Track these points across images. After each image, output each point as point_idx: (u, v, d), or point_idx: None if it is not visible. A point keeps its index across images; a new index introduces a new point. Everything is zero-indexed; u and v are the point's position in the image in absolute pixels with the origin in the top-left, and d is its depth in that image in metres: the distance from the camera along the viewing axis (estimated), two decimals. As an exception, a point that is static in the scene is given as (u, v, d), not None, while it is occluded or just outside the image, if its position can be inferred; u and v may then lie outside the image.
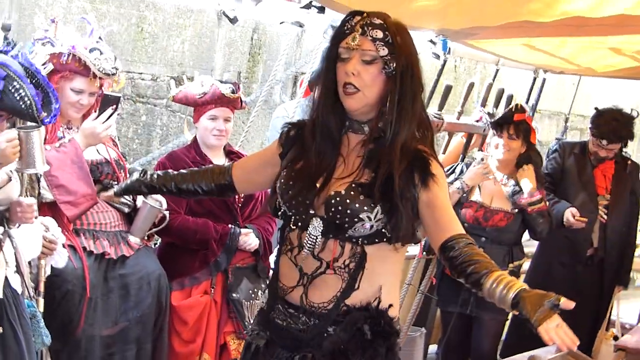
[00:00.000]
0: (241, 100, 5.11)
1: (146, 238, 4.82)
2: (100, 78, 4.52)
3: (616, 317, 7.34)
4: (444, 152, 7.13)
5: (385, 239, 3.02)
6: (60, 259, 4.10)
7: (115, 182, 4.64)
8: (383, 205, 2.94)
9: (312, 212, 3.03)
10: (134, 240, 4.70)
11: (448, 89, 6.42)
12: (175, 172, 3.69)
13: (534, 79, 7.74)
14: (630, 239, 7.07)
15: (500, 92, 7.05)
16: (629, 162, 7.01)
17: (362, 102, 3.01)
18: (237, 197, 5.03)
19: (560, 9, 4.79)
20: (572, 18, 4.85)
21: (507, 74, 7.79)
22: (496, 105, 6.80)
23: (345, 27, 3.02)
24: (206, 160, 5.00)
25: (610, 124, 6.58)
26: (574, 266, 6.87)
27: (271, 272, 3.32)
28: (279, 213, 3.17)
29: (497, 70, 7.46)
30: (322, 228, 3.01)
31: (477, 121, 6.74)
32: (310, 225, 3.03)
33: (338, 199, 2.94)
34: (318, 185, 3.02)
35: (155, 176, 3.68)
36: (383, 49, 2.96)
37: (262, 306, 3.31)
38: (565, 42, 5.97)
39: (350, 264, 3.04)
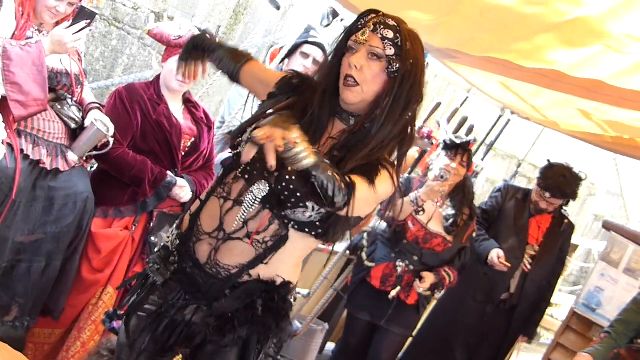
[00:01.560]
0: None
1: (84, 159, 4.79)
2: None
3: (512, 366, 7.46)
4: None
5: (314, 233, 3.03)
6: (-3, 153, 4.07)
7: (70, 96, 4.62)
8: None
9: (265, 174, 3.02)
10: (72, 157, 4.67)
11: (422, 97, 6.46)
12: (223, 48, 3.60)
13: (499, 117, 7.81)
14: (547, 294, 7.13)
15: (464, 120, 7.13)
16: (566, 220, 7.07)
17: (359, 97, 3.03)
18: (182, 144, 5.04)
19: (545, 57, 4.82)
20: (551, 70, 4.88)
21: (474, 103, 7.83)
22: (456, 130, 6.87)
23: (359, 23, 3.06)
24: (162, 101, 5.00)
25: (558, 179, 6.65)
26: (485, 305, 6.93)
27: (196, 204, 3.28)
28: (235, 152, 3.15)
29: (467, 98, 7.53)
30: (265, 194, 3.01)
31: (423, 138, 6.81)
32: (255, 185, 3.03)
33: (293, 177, 2.90)
34: None
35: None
36: (390, 49, 2.98)
37: (167, 243, 3.31)
38: (539, 92, 6.01)
39: (269, 242, 3.06)
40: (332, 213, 2.95)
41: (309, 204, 2.92)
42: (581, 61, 4.72)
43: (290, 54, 5.94)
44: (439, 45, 5.54)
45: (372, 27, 3.00)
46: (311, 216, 2.96)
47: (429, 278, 5.86)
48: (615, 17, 4.18)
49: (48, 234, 4.63)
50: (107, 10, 7.04)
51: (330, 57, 3.17)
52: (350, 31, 3.08)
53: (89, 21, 4.52)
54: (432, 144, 6.88)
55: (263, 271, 3.10)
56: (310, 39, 5.86)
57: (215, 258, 3.10)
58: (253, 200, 3.02)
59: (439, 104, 7.47)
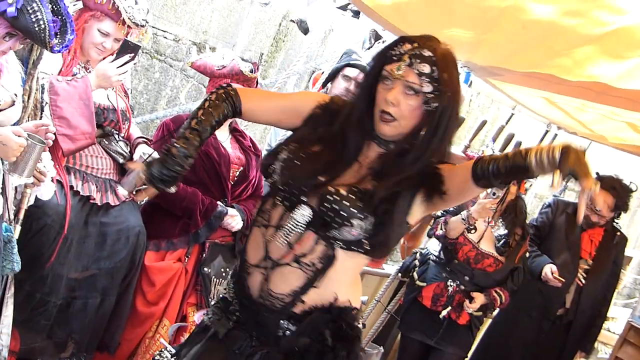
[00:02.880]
0: (257, 82, 5.12)
1: (134, 193, 4.82)
2: (128, 26, 4.55)
3: (571, 382, 7.37)
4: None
5: (361, 250, 3.00)
6: (47, 191, 4.09)
7: (117, 132, 4.67)
8: (376, 218, 2.92)
9: (303, 198, 3.00)
10: (122, 191, 4.70)
11: (460, 122, 6.44)
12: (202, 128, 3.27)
13: (546, 132, 7.75)
14: (603, 308, 7.06)
15: (510, 137, 7.08)
16: (618, 233, 7.00)
17: (397, 131, 3.01)
18: (231, 174, 5.06)
19: (587, 71, 4.78)
20: (595, 83, 4.84)
21: (519, 119, 7.78)
22: (503, 148, 6.83)
23: (394, 52, 3.00)
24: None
25: (608, 192, 6.59)
26: (541, 322, 6.87)
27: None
28: (270, 181, 3.14)
29: (512, 115, 7.49)
30: (309, 218, 2.99)
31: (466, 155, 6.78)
32: (297, 210, 3.01)
33: (337, 197, 2.91)
34: (322, 179, 2.99)
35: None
36: (427, 86, 2.94)
37: (225, 294, 3.31)
38: (585, 107, 5.96)
39: (318, 264, 3.02)
40: (380, 229, 2.94)
41: (355, 222, 2.90)
42: (626, 72, 4.67)
43: (332, 77, 5.96)
44: (482, 63, 5.52)
45: (407, 61, 2.94)
46: (359, 234, 2.94)
47: (479, 299, 5.82)
48: (660, 25, 4.15)
49: (102, 269, 4.66)
50: (149, 44, 7.10)
51: (363, 83, 3.13)
52: (384, 59, 3.03)
53: (132, 55, 4.60)
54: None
55: (317, 295, 3.06)
56: (351, 62, 5.87)
57: (268, 288, 3.07)
58: (296, 225, 3.00)
59: (484, 122, 7.43)
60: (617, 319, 11.10)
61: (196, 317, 4.84)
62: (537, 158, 2.70)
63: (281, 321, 3.08)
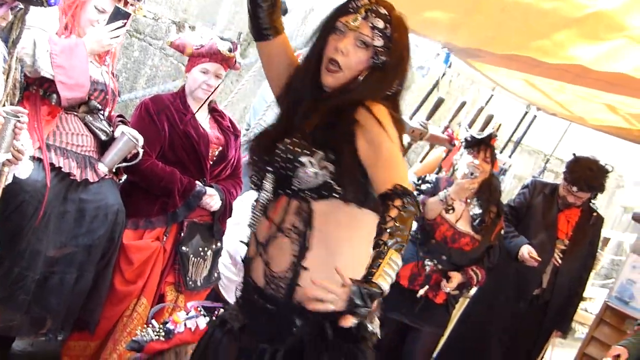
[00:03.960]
0: (235, 61, 5.13)
1: (114, 171, 4.82)
2: (124, 2, 4.69)
3: (548, 360, 7.45)
4: (421, 162, 7.17)
5: (334, 194, 2.98)
6: (25, 169, 4.09)
7: (101, 108, 4.70)
8: (325, 152, 2.94)
9: (268, 168, 3.05)
10: (102, 168, 4.71)
11: (440, 102, 6.49)
12: None
13: (525, 113, 7.78)
14: (579, 288, 7.11)
15: (489, 118, 7.11)
16: (595, 213, 7.03)
17: (340, 81, 3.04)
18: (210, 154, 5.08)
19: (567, 52, 4.81)
20: (574, 65, 4.88)
21: (499, 101, 7.81)
22: (482, 129, 6.85)
23: (350, 5, 3.04)
24: (189, 111, 5.04)
25: (584, 172, 6.61)
26: (517, 302, 6.90)
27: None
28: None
29: (492, 96, 7.51)
30: (273, 182, 3.04)
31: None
32: (264, 182, 3.07)
33: (283, 147, 2.96)
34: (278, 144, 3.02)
35: None
36: (379, 40, 3.01)
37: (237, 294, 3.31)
38: (563, 88, 6.00)
39: (298, 224, 3.01)
40: (335, 163, 2.95)
41: (304, 160, 2.92)
42: (604, 55, 4.70)
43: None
44: (462, 45, 5.55)
45: (363, 13, 3.01)
46: (316, 173, 2.93)
47: (456, 278, 5.84)
48: (636, 9, 4.17)
49: (80, 246, 4.65)
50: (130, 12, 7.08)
51: (316, 34, 3.14)
52: (340, 12, 3.06)
53: (124, 21, 4.63)
54: (454, 145, 6.83)
55: (316, 261, 3.00)
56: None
57: (269, 271, 3.06)
58: (266, 195, 3.06)
59: (463, 103, 7.46)
60: (594, 299, 11.20)
61: (151, 312, 4.84)
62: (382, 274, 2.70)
63: (293, 317, 3.04)
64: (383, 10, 3.03)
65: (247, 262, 3.19)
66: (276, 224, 3.05)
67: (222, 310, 3.47)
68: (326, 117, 3.00)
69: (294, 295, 3.02)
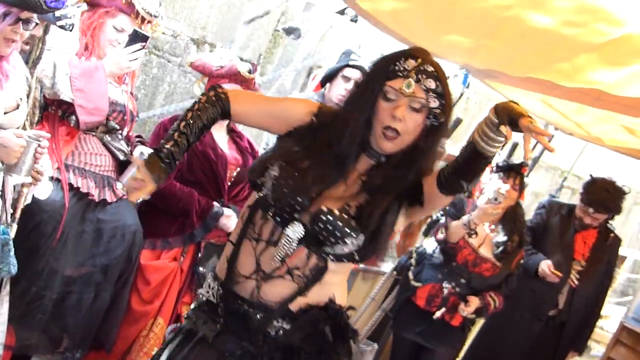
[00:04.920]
0: (255, 82, 5.14)
1: (127, 192, 4.83)
2: (141, 19, 4.68)
3: (564, 381, 7.41)
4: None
5: (352, 261, 3.06)
6: (44, 190, 4.12)
7: (119, 128, 4.72)
8: (367, 234, 2.96)
9: (296, 216, 3.03)
10: (120, 188, 4.71)
11: (458, 122, 6.46)
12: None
13: (542, 133, 7.76)
14: (596, 309, 7.11)
15: (515, 145, 7.10)
16: (612, 234, 7.04)
17: (398, 147, 3.03)
18: (228, 175, 5.08)
19: (586, 76, 4.80)
20: (592, 89, 4.87)
21: (517, 120, 7.78)
22: (509, 155, 6.86)
23: (397, 67, 3.00)
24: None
25: (601, 194, 6.62)
26: (533, 322, 6.90)
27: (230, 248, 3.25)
28: (260, 194, 3.13)
29: (510, 116, 7.50)
30: (301, 235, 3.02)
31: None
32: (289, 227, 3.04)
33: (330, 217, 2.95)
34: (314, 195, 3.01)
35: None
36: (434, 101, 2.99)
37: (209, 298, 3.30)
38: (582, 110, 5.99)
39: (309, 275, 3.08)
40: (370, 241, 2.98)
41: (348, 241, 2.95)
42: (624, 79, 4.70)
43: (331, 77, 5.97)
44: (479, 66, 5.54)
45: (414, 77, 2.97)
46: (351, 250, 2.98)
47: (474, 302, 5.83)
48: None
49: (97, 266, 4.66)
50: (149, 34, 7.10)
51: (363, 98, 3.08)
52: (387, 75, 3.02)
53: (143, 43, 4.67)
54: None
55: (308, 299, 3.12)
56: (351, 62, 5.88)
57: (258, 295, 3.11)
58: (289, 242, 3.03)
59: (459, 120, 7.47)
60: (610, 317, 11.16)
61: (167, 331, 4.84)
62: (479, 132, 2.76)
63: (275, 321, 3.11)
64: (431, 68, 3.00)
65: (234, 276, 3.18)
66: (289, 267, 3.08)
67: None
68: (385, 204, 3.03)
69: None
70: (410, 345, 6.07)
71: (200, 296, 3.38)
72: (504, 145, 2.80)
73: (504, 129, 2.70)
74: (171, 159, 3.18)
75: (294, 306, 3.11)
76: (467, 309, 5.80)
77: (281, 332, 3.12)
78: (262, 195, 3.11)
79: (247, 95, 3.63)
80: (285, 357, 3.11)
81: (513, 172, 5.87)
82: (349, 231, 2.94)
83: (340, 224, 2.94)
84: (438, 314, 5.84)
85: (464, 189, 2.94)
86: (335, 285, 3.19)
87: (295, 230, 3.03)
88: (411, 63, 2.99)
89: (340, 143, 3.07)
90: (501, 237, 5.89)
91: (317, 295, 3.13)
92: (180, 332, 3.37)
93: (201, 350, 3.24)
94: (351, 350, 3.21)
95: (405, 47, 4.69)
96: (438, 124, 3.03)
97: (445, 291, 5.84)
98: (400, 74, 2.99)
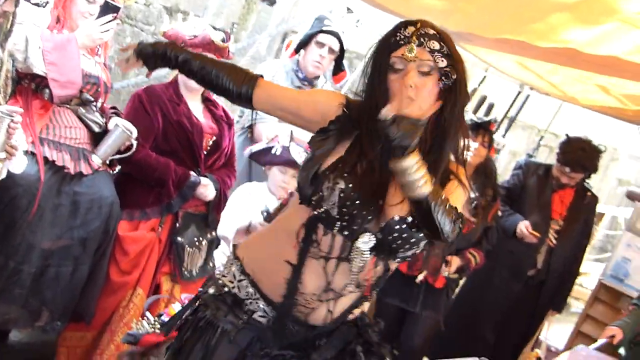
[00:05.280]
0: (229, 51, 5.12)
1: (107, 163, 4.82)
2: None
3: (544, 339, 7.47)
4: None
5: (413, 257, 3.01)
6: (19, 165, 4.10)
7: (93, 100, 4.70)
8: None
9: (366, 226, 2.90)
10: (96, 160, 4.71)
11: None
12: (204, 56, 3.35)
13: (518, 93, 7.78)
14: (574, 267, 7.16)
15: (483, 99, 7.11)
16: (589, 193, 7.06)
17: (418, 114, 2.73)
18: (203, 144, 5.07)
19: (560, 36, 4.81)
20: (566, 49, 4.87)
21: (492, 81, 7.80)
22: (475, 110, 6.85)
23: (398, 37, 2.88)
24: (182, 101, 5.03)
25: (577, 153, 6.63)
26: (512, 282, 6.94)
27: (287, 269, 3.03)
28: (319, 210, 2.93)
29: (485, 77, 7.51)
30: (372, 245, 2.91)
31: None
32: (360, 239, 2.91)
33: (404, 226, 2.80)
34: (381, 202, 2.88)
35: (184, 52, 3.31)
36: (442, 60, 2.84)
37: (232, 289, 3.14)
38: (556, 69, 6.01)
39: (374, 282, 3.02)
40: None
41: (422, 244, 2.88)
42: (596, 38, 4.71)
43: (305, 44, 5.97)
44: (454, 29, 5.52)
45: (417, 41, 2.83)
46: (416, 252, 2.93)
47: (455, 262, 5.84)
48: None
49: (74, 239, 4.67)
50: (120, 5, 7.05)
51: (375, 80, 2.96)
52: (390, 47, 2.90)
53: (114, 15, 4.64)
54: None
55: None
56: (324, 28, 5.88)
57: (331, 317, 3.01)
58: (363, 255, 2.92)
59: None
60: (589, 274, 11.21)
61: (147, 302, 4.86)
62: (401, 188, 2.72)
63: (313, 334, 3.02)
64: (432, 31, 2.86)
65: (295, 295, 3.01)
66: (360, 281, 2.99)
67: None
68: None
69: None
70: (395, 311, 6.07)
71: (220, 282, 3.19)
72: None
73: (401, 163, 2.62)
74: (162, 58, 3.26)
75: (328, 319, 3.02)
76: (449, 269, 5.81)
77: (317, 343, 3.04)
78: (322, 210, 2.93)
79: (273, 84, 3.51)
80: None
81: (481, 129, 5.87)
82: (422, 236, 2.83)
83: (414, 230, 2.82)
84: (420, 277, 5.83)
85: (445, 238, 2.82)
86: None
87: (366, 242, 2.91)
88: (411, 29, 2.86)
89: (374, 136, 2.89)
90: (473, 194, 5.86)
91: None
92: (199, 322, 3.17)
93: (223, 346, 3.07)
94: None
95: (379, 11, 4.70)
96: (452, 83, 2.88)
97: (424, 253, 5.83)
98: (402, 42, 2.86)
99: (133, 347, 4.27)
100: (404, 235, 2.81)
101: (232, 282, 3.14)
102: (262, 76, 3.20)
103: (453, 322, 6.71)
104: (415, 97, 2.80)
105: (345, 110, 3.02)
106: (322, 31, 5.84)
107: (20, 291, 4.52)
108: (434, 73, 2.84)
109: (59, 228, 4.62)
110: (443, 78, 2.87)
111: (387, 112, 2.59)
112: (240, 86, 3.16)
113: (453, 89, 2.89)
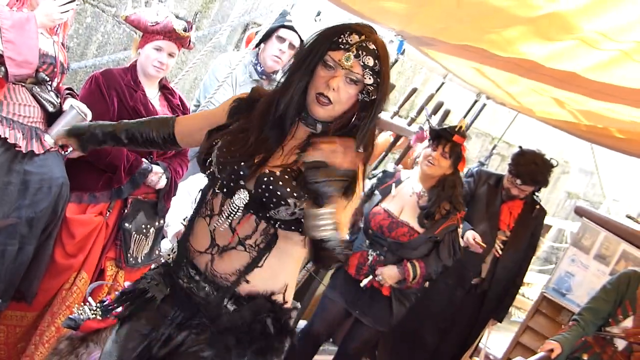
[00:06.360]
0: (190, 41, 5.11)
1: (59, 145, 4.79)
2: None
3: (483, 346, 7.53)
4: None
5: (299, 229, 3.05)
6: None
7: (49, 79, 4.65)
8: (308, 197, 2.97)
9: (241, 182, 3.09)
10: (48, 140, 4.67)
11: (391, 88, 6.45)
12: (122, 123, 3.78)
13: (475, 101, 7.83)
14: (517, 279, 7.21)
15: (439, 105, 7.16)
16: (538, 206, 7.11)
17: (330, 114, 3.09)
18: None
19: (517, 49, 4.84)
20: (525, 60, 4.90)
21: (450, 88, 7.84)
22: (431, 116, 6.86)
23: (341, 40, 3.05)
24: (139, 87, 5.02)
25: (529, 166, 6.68)
26: (456, 289, 6.99)
27: (182, 229, 3.38)
28: (207, 172, 3.23)
29: (443, 84, 7.55)
30: (247, 201, 3.07)
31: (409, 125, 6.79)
32: (236, 195, 3.09)
33: (271, 178, 2.99)
34: (256, 160, 3.08)
35: (107, 128, 3.77)
36: (369, 77, 3.04)
37: (167, 260, 3.38)
38: (514, 80, 6.02)
39: (261, 244, 3.11)
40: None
41: (291, 201, 2.97)
42: (556, 53, 4.73)
43: (265, 38, 5.99)
44: (415, 33, 5.55)
45: (355, 52, 3.02)
46: (294, 213, 3.00)
47: (388, 270, 5.85)
48: (590, 15, 4.20)
49: (22, 217, 4.64)
50: (82, -14, 7.01)
51: (303, 63, 3.14)
52: (329, 45, 3.07)
53: None
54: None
55: (259, 276, 3.16)
56: (286, 23, 5.90)
57: (212, 268, 3.17)
58: (235, 208, 3.08)
59: (414, 89, 7.50)
60: (532, 284, 11.33)
61: (90, 287, 4.86)
62: (306, 228, 2.83)
63: (225, 300, 3.16)
64: (372, 46, 3.05)
65: (189, 254, 3.27)
66: (240, 238, 3.13)
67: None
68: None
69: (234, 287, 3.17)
70: (338, 309, 6.10)
71: (161, 258, 3.47)
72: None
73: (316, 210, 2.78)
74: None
75: (242, 290, 3.16)
76: (385, 282, 5.83)
77: (225, 312, 3.18)
78: (210, 172, 3.21)
79: (188, 116, 3.92)
80: (226, 338, 3.16)
81: (442, 139, 5.84)
82: (289, 191, 2.97)
83: (282, 183, 2.99)
84: (365, 281, 5.85)
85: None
86: (288, 272, 3.24)
87: (241, 197, 3.08)
88: (354, 38, 3.05)
89: (279, 105, 3.13)
90: (424, 202, 5.86)
91: (270, 273, 3.17)
92: (134, 288, 3.44)
93: (146, 309, 3.32)
94: (285, 346, 3.25)
95: (343, 12, 4.71)
96: (369, 101, 3.08)
97: (370, 259, 5.83)
98: (342, 47, 3.04)
99: (73, 332, 4.25)
100: (271, 188, 2.99)
101: (169, 255, 3.38)
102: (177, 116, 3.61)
103: (396, 326, 6.76)
104: (334, 99, 3.05)
105: (239, 100, 3.35)
106: (283, 26, 5.86)
107: (-35, 267, 4.48)
108: (359, 85, 3.06)
109: (7, 206, 4.59)
110: (364, 93, 3.09)
111: (313, 156, 2.78)
112: (160, 132, 3.60)
113: (369, 106, 3.10)
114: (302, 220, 2.94)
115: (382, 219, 5.85)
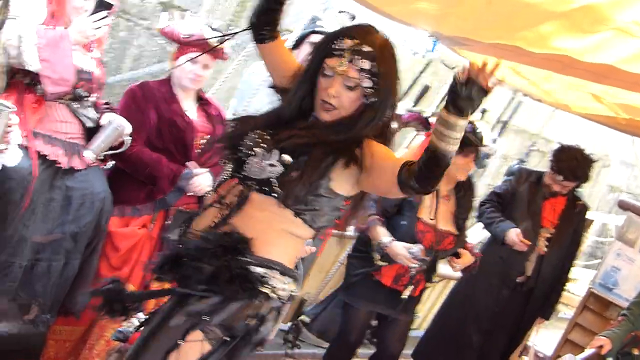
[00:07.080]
0: (224, 52, 5.14)
1: (101, 158, 4.82)
2: None
3: (532, 345, 7.49)
4: (406, 147, 7.18)
5: (273, 193, 3.11)
6: (12, 158, 4.10)
7: (87, 95, 4.67)
8: (282, 152, 3.09)
9: (234, 153, 3.25)
10: (89, 155, 4.69)
11: (426, 89, 6.46)
12: None
13: (512, 99, 7.79)
14: (563, 275, 7.16)
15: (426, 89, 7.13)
16: (580, 202, 7.08)
17: (336, 117, 3.17)
18: (195, 142, 5.08)
19: (552, 44, 4.82)
20: (561, 55, 4.89)
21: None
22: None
23: (334, 46, 3.12)
24: (175, 99, 5.03)
25: (570, 162, 6.64)
26: (501, 288, 6.94)
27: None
28: (235, 157, 3.28)
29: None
30: (233, 165, 3.25)
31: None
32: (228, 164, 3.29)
33: (250, 137, 3.18)
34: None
35: None
36: (366, 81, 3.10)
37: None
38: (550, 77, 6.01)
39: (233, 201, 3.18)
40: (289, 168, 3.09)
41: (258, 151, 3.10)
42: (592, 46, 4.72)
43: (298, 44, 5.99)
44: (447, 33, 5.55)
45: (348, 57, 3.08)
46: (263, 167, 3.10)
47: (465, 264, 5.87)
48: (623, 4, 4.19)
49: (66, 233, 4.66)
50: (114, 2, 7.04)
51: (305, 73, 3.25)
52: (325, 52, 3.16)
53: (108, 11, 4.62)
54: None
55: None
56: (317, 29, 5.90)
57: (192, 228, 3.29)
58: (225, 173, 3.27)
59: (427, 87, 7.48)
60: (577, 280, 11.24)
61: None
62: (434, 132, 2.83)
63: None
64: (367, 48, 3.10)
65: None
66: (219, 196, 3.23)
67: None
68: (303, 134, 3.14)
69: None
70: (367, 314, 6.04)
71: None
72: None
73: (454, 119, 2.75)
74: None
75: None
76: (459, 261, 5.85)
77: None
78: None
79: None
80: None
81: (474, 146, 5.74)
82: (260, 141, 3.11)
83: (255, 136, 3.14)
84: (406, 292, 5.77)
85: (416, 192, 3.00)
86: (277, 246, 3.21)
87: (231, 163, 3.28)
88: (347, 43, 3.11)
89: (282, 105, 3.30)
90: (453, 206, 5.86)
91: (239, 227, 3.17)
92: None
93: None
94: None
95: (374, 14, 4.72)
96: (370, 103, 3.15)
97: (413, 271, 5.76)
98: (336, 53, 3.11)
99: (122, 344, 4.28)
100: (248, 142, 3.17)
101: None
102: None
103: (441, 328, 6.74)
104: (337, 105, 3.14)
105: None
106: (314, 32, 5.86)
107: (11, 284, 4.51)
108: (359, 89, 3.13)
109: (51, 222, 4.62)
110: (364, 95, 3.15)
111: (465, 72, 2.76)
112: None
113: (373, 108, 3.16)
114: (273, 180, 3.09)
115: (431, 236, 5.71)
